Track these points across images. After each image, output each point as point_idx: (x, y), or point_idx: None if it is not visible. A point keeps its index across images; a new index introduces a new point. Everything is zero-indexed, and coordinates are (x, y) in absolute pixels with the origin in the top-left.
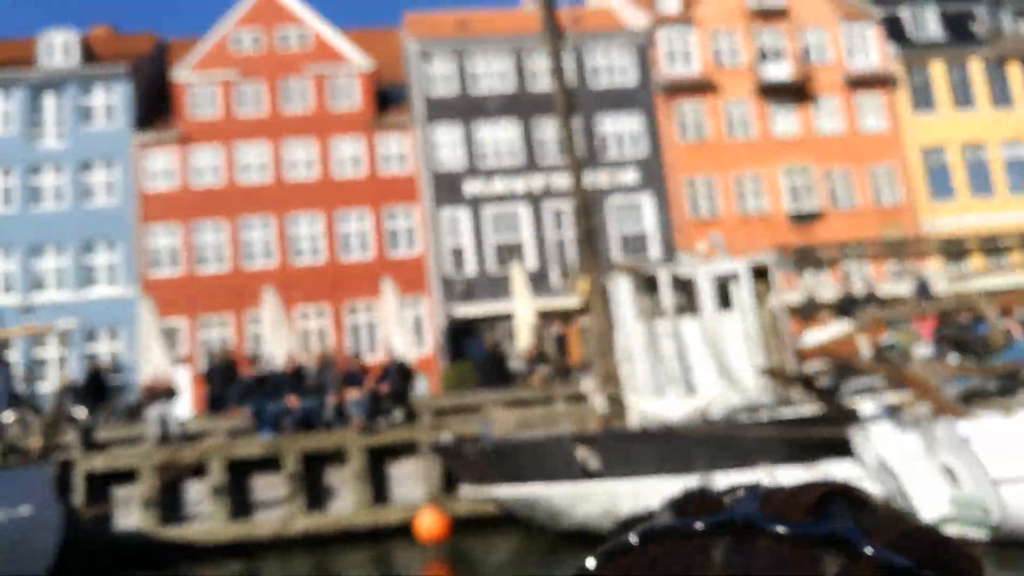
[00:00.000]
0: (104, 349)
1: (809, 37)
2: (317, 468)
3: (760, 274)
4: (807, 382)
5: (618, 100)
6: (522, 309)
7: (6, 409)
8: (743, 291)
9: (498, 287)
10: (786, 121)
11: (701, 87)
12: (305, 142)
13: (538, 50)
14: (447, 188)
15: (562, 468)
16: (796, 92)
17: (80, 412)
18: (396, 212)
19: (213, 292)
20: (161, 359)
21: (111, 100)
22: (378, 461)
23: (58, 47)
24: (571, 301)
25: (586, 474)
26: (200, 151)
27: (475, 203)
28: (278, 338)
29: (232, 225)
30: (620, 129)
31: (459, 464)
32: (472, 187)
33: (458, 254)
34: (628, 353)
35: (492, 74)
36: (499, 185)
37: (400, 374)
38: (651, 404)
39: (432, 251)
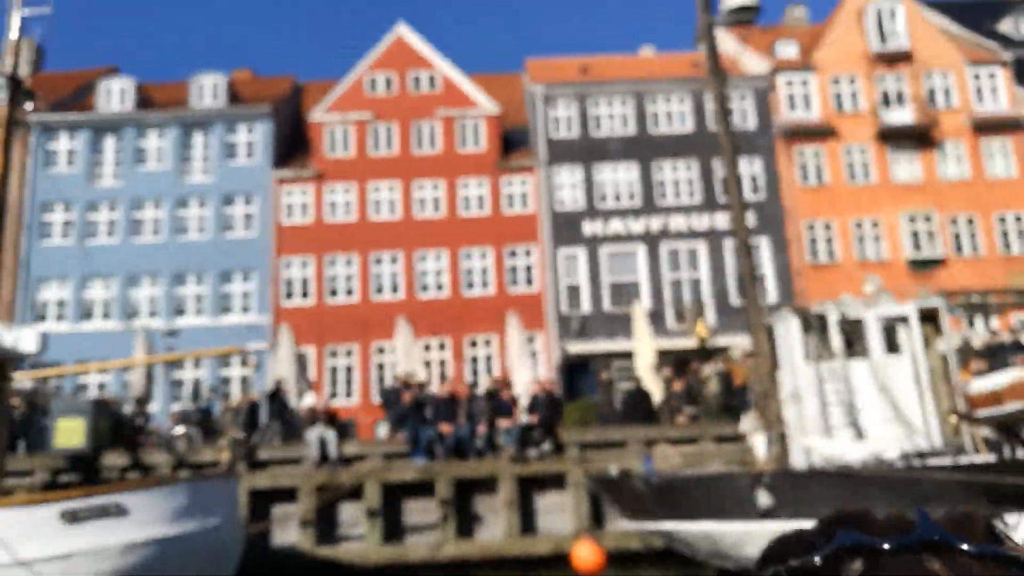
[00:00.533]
0: (235, 373)
1: (934, 81)
2: (468, 495)
3: (927, 318)
4: (1005, 427)
5: (738, 144)
6: (643, 348)
7: (179, 424)
8: (913, 334)
9: (614, 325)
10: (908, 166)
11: (821, 132)
12: (433, 181)
13: (658, 94)
14: (566, 228)
15: (734, 506)
16: (919, 137)
17: (259, 431)
18: (517, 250)
19: (342, 322)
20: (295, 384)
21: (253, 138)
22: (527, 491)
23: (207, 89)
24: (688, 342)
25: (759, 513)
26: (334, 188)
27: (593, 243)
28: (409, 367)
29: (362, 259)
30: (740, 172)
31: (621, 497)
32: (590, 227)
33: (575, 292)
34: (795, 394)
35: (613, 117)
36: (617, 225)
37: (548, 406)
38: (822, 446)
39: (550, 289)
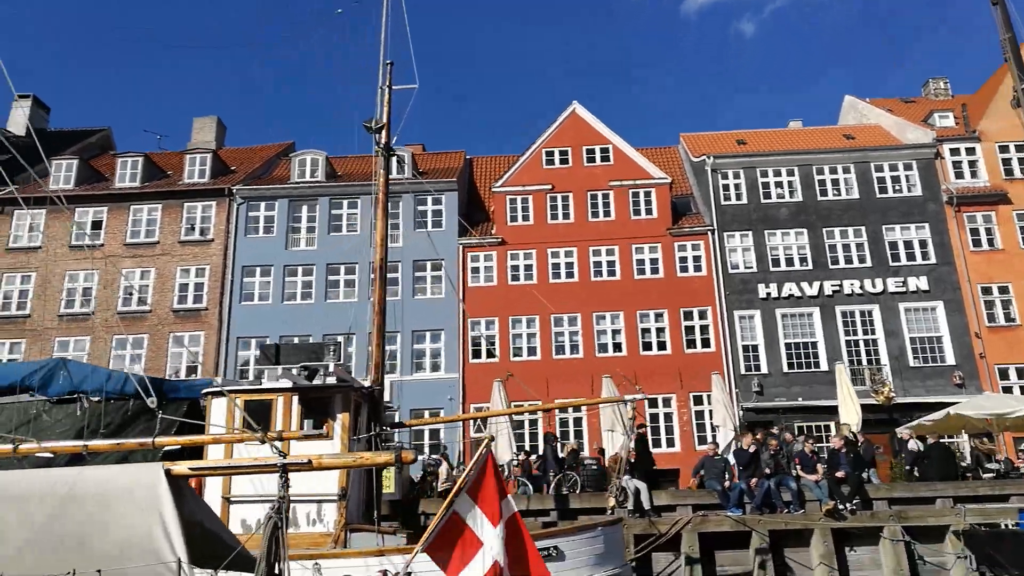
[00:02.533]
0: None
1: None
2: (781, 547)
3: None
4: None
5: (905, 210)
6: (849, 407)
7: (556, 474)
8: None
9: (792, 384)
10: None
11: (990, 198)
12: (609, 247)
13: (824, 163)
14: (740, 291)
15: None
16: None
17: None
18: (692, 312)
19: (525, 379)
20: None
21: (439, 207)
22: (839, 544)
23: (392, 161)
24: (870, 400)
25: None
26: (516, 254)
27: (767, 304)
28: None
29: (543, 321)
30: (908, 237)
31: (996, 552)
32: (764, 290)
33: (752, 352)
34: None
35: (781, 185)
36: (790, 288)
37: (855, 462)
38: None
39: (726, 350)
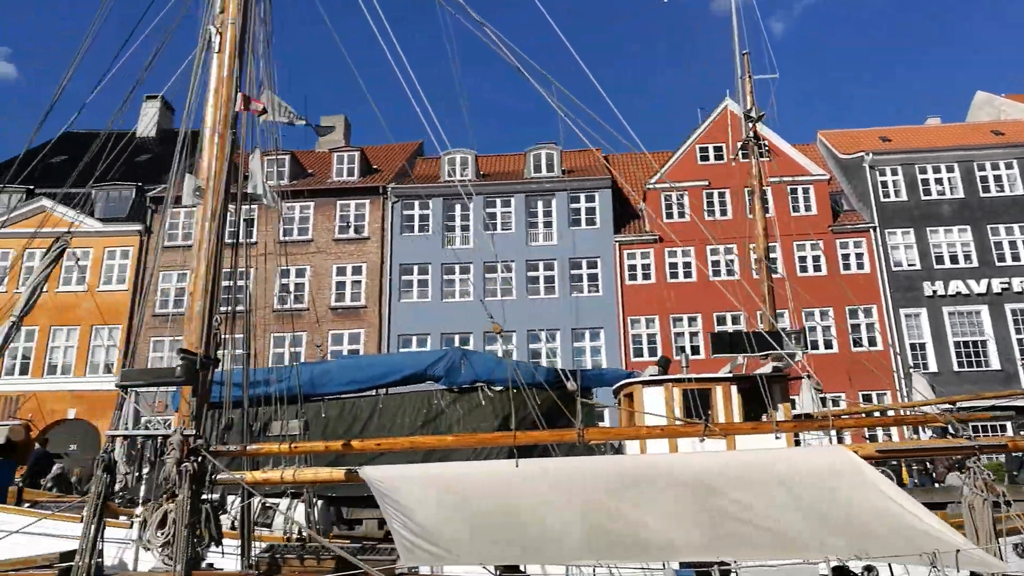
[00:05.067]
0: None
1: None
2: None
3: None
4: None
5: None
6: None
7: None
8: None
9: (963, 383)
10: None
11: None
12: (769, 244)
13: (986, 160)
14: (904, 289)
15: None
16: None
17: None
18: (857, 311)
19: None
20: None
21: (592, 205)
22: None
23: (543, 160)
24: None
25: None
26: (674, 251)
27: (933, 303)
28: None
29: (706, 319)
30: None
31: None
32: (929, 287)
33: (920, 351)
34: None
35: (942, 181)
36: (956, 286)
37: None
38: None
39: (893, 348)
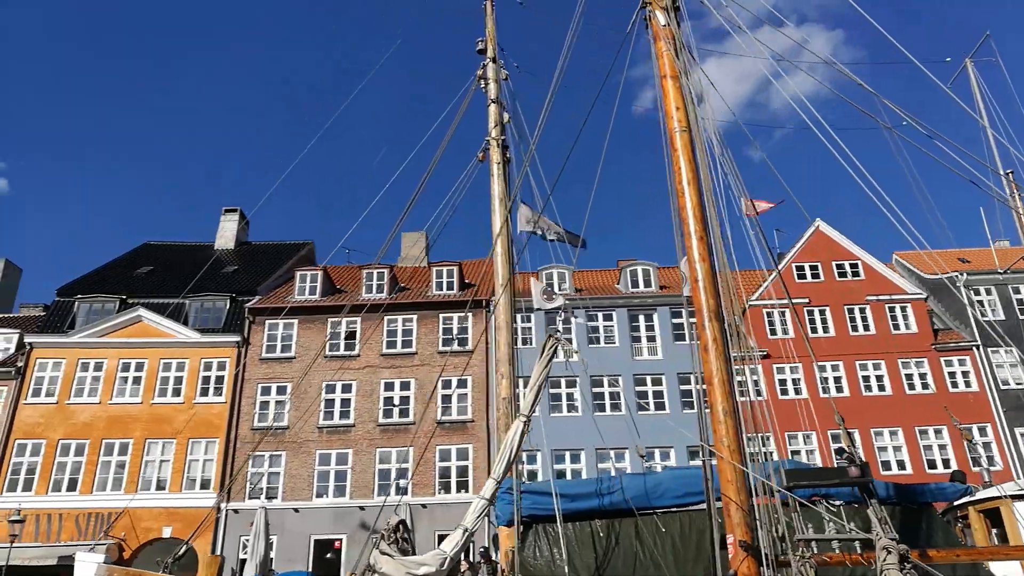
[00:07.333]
0: None
1: None
2: None
3: None
4: None
5: None
6: None
7: None
8: None
9: None
10: None
11: None
12: (875, 362)
13: None
14: (1017, 407)
15: None
16: None
17: None
18: (971, 428)
19: None
20: None
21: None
22: None
23: (639, 275)
24: None
25: None
26: (782, 367)
27: None
28: None
29: (822, 435)
30: None
31: None
32: None
33: None
34: None
35: None
36: None
37: None
38: None
39: (1012, 466)
